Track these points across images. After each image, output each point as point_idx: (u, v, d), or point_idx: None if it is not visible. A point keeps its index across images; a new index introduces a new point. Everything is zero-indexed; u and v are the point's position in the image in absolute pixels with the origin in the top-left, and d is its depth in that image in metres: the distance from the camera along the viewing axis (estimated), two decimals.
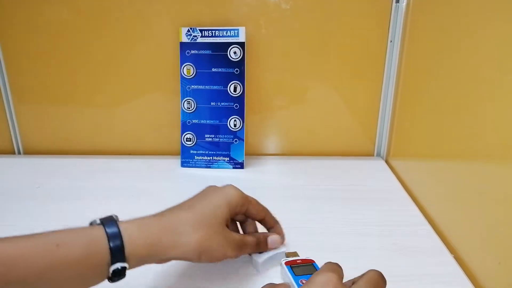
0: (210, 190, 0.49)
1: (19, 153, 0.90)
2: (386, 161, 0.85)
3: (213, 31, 0.76)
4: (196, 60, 0.78)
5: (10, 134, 0.89)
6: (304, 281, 0.44)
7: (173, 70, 0.81)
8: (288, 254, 0.51)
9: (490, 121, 0.49)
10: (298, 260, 0.48)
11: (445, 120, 0.61)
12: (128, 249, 0.38)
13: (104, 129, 0.88)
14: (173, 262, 0.45)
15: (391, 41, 0.79)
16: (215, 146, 0.81)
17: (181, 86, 0.79)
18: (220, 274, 0.52)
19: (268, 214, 0.52)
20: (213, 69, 0.78)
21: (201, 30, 0.77)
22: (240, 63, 0.77)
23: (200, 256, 0.42)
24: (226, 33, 0.76)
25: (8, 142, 0.89)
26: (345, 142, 0.88)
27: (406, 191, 0.73)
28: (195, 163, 0.82)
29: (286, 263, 0.48)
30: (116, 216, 0.41)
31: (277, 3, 0.78)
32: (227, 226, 0.46)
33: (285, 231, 0.54)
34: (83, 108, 0.86)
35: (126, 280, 0.40)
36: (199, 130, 0.81)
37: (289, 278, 0.46)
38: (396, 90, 0.81)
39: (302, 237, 0.57)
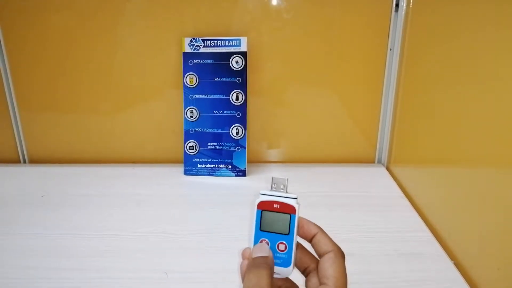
0: None
1: (24, 162, 0.91)
2: (387, 168, 0.86)
3: (215, 41, 0.78)
4: (198, 70, 0.79)
5: (16, 143, 0.90)
6: (265, 242, 0.36)
7: (176, 80, 0.82)
8: (274, 181, 0.38)
9: (490, 127, 0.50)
10: (276, 203, 0.37)
11: (445, 127, 0.61)
12: None
13: (108, 138, 0.89)
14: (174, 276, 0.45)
15: (390, 49, 0.80)
16: (217, 154, 0.82)
17: (184, 95, 0.80)
18: None
19: None
20: (216, 78, 0.79)
21: (203, 40, 0.78)
22: (242, 72, 0.78)
23: None
24: (228, 43, 0.78)
25: (14, 151, 0.90)
26: (346, 149, 0.89)
27: (407, 197, 0.73)
28: (198, 171, 0.83)
29: (261, 205, 0.37)
30: None
31: (279, 13, 0.79)
32: None
33: None
34: (88, 118, 0.87)
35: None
36: (201, 139, 0.81)
37: (251, 228, 0.37)
38: (396, 97, 0.82)
39: (303, 244, 0.58)
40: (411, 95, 0.75)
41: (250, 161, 0.86)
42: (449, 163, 0.61)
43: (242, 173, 0.82)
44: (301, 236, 0.37)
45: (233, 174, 0.82)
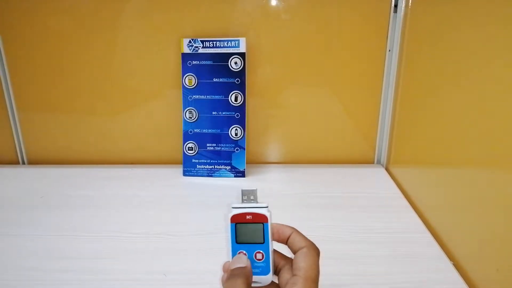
0: None
1: (23, 163, 0.91)
2: (386, 169, 0.86)
3: (214, 42, 0.78)
4: (197, 71, 0.79)
5: (15, 144, 0.90)
6: (243, 254, 0.37)
7: (175, 80, 0.82)
8: (244, 193, 0.39)
9: (489, 128, 0.50)
10: (248, 215, 0.37)
11: (444, 127, 0.61)
12: None
13: (107, 139, 0.89)
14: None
15: (389, 50, 0.80)
16: (216, 155, 0.82)
17: (183, 96, 0.80)
18: None
19: None
20: (214, 79, 0.79)
21: (202, 41, 0.78)
22: (241, 73, 0.78)
23: None
24: (227, 43, 0.78)
25: (12, 152, 0.90)
26: (346, 150, 0.89)
27: (406, 198, 0.73)
28: (197, 172, 0.83)
29: (233, 218, 0.38)
30: None
31: (277, 14, 0.79)
32: None
33: None
34: (87, 119, 0.87)
35: None
36: (200, 139, 0.81)
37: (228, 242, 0.38)
38: (396, 98, 0.82)
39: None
40: (410, 96, 0.75)
41: (249, 162, 0.86)
42: (448, 163, 0.61)
43: (241, 174, 0.82)
44: (277, 240, 0.38)
45: (232, 175, 0.82)
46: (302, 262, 0.36)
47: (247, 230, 0.38)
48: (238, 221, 0.38)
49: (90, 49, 0.82)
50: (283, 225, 0.39)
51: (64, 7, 0.79)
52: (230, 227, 0.38)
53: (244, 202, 0.38)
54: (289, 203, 0.73)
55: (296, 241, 0.38)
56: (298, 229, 0.39)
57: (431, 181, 0.67)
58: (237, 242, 0.38)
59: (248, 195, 0.39)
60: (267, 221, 0.37)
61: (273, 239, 0.38)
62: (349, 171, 0.85)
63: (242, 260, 0.37)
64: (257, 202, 0.38)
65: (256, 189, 0.39)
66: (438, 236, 0.62)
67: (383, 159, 0.88)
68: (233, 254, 0.38)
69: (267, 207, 0.38)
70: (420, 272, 0.54)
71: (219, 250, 0.59)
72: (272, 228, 0.38)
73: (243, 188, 0.39)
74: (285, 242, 0.38)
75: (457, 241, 0.57)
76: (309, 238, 0.38)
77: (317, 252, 0.37)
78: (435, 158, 0.65)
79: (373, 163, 0.89)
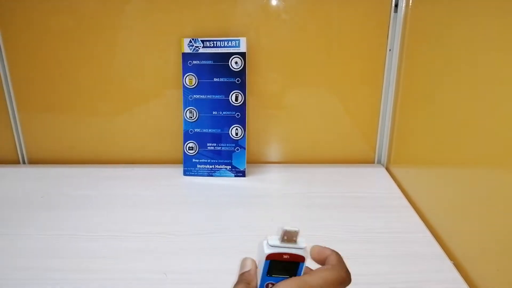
0: None
1: (23, 162, 0.91)
2: (387, 168, 0.86)
3: (215, 42, 0.78)
4: (198, 70, 0.79)
5: (15, 144, 0.90)
6: (270, 286, 0.37)
7: (176, 80, 0.82)
8: (287, 234, 0.37)
9: (489, 127, 0.50)
10: (286, 255, 0.37)
11: (445, 127, 0.61)
12: None
13: (108, 139, 0.89)
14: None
15: (390, 49, 0.80)
16: (217, 154, 0.82)
17: (183, 96, 0.80)
18: None
19: None
20: (215, 79, 0.79)
21: (202, 41, 0.78)
22: (241, 73, 0.78)
23: None
24: (228, 43, 0.78)
25: (13, 152, 0.90)
26: (346, 150, 0.89)
27: (407, 198, 0.73)
28: (197, 172, 0.83)
29: (269, 256, 0.37)
30: None
31: (278, 13, 0.79)
32: None
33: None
34: (87, 118, 0.87)
35: None
36: (201, 139, 0.81)
37: (259, 273, 0.38)
38: (396, 97, 0.82)
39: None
40: (411, 95, 0.75)
41: (249, 162, 0.86)
42: (449, 163, 0.61)
43: (241, 173, 0.82)
44: (317, 261, 0.38)
45: (233, 174, 0.82)
46: (330, 262, 0.36)
47: (281, 266, 0.37)
48: (274, 259, 0.37)
49: (91, 48, 0.82)
50: (325, 248, 0.39)
51: (65, 7, 0.79)
52: (264, 262, 0.37)
53: (283, 242, 0.37)
54: (289, 203, 0.73)
55: (330, 260, 0.37)
56: (302, 230, 0.38)
57: (431, 181, 0.67)
58: (267, 275, 0.37)
59: (289, 237, 0.37)
60: (304, 261, 0.37)
61: (313, 259, 0.38)
62: (349, 171, 0.85)
63: (246, 265, 0.38)
64: (296, 243, 0.37)
65: (298, 231, 0.37)
66: (438, 236, 0.62)
67: (384, 159, 0.88)
68: (261, 285, 0.37)
69: (305, 247, 0.37)
70: (420, 272, 0.54)
71: (219, 250, 0.59)
72: (312, 250, 0.38)
73: (287, 229, 0.37)
74: (323, 262, 0.38)
75: (457, 241, 0.57)
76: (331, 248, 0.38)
77: (345, 272, 0.36)
78: (436, 158, 0.65)
79: (373, 163, 0.89)
